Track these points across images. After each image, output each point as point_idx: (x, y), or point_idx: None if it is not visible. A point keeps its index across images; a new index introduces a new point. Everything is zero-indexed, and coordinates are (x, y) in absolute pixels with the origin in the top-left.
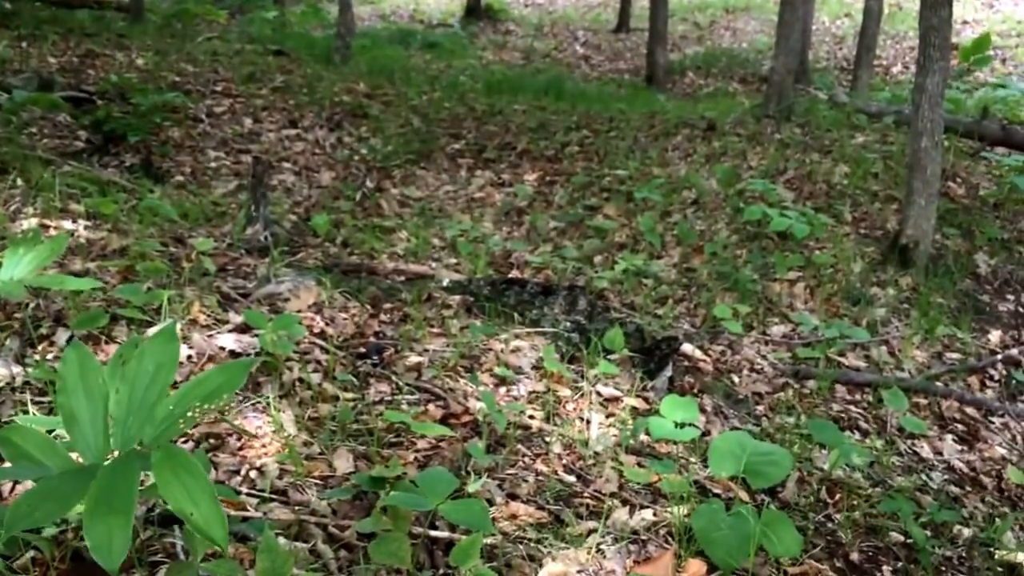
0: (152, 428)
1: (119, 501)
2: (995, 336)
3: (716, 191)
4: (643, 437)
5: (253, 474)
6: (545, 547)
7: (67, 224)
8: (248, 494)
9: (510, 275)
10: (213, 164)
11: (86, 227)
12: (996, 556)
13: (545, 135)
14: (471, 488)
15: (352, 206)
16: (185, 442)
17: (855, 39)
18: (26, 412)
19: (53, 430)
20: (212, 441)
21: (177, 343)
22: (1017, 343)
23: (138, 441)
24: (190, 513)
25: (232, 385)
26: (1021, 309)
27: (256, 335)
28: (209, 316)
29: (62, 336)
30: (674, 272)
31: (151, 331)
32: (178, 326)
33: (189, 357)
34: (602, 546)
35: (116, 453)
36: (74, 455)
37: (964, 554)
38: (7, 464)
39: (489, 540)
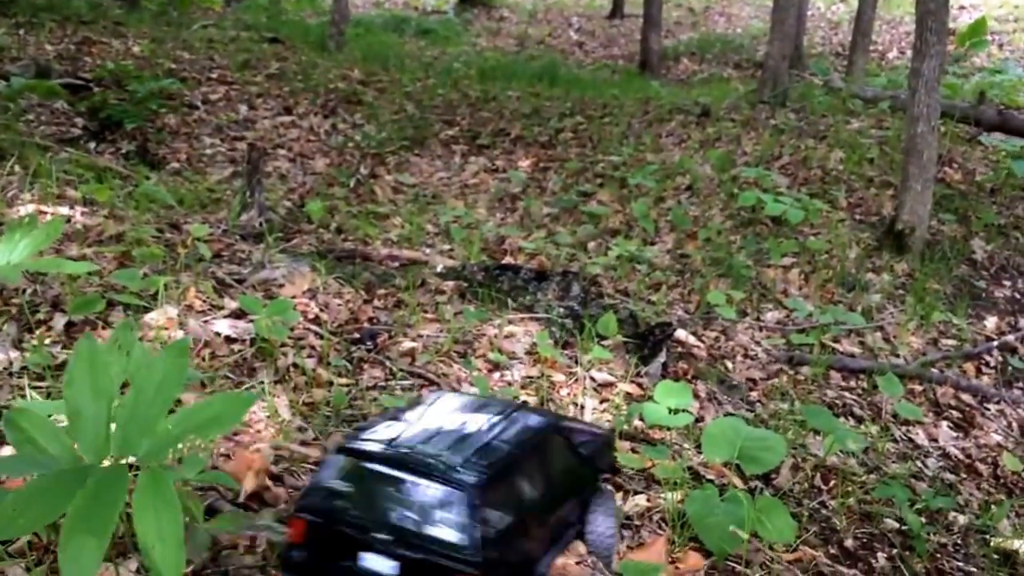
0: (149, 443)
1: (99, 520)
2: (991, 322)
3: (710, 177)
4: (637, 423)
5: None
6: None
7: (64, 210)
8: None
9: (504, 261)
10: (208, 151)
11: (83, 213)
12: (992, 543)
13: (539, 121)
14: None
15: (346, 192)
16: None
17: (850, 24)
18: (24, 397)
19: (51, 415)
20: None
21: (187, 359)
22: (1013, 329)
23: (133, 453)
24: (152, 547)
25: (233, 417)
26: (1018, 295)
27: (251, 321)
28: (205, 302)
29: (60, 321)
30: (668, 258)
31: (148, 317)
32: (174, 311)
33: None
34: None
35: (112, 457)
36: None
37: (959, 541)
38: (9, 449)
39: None
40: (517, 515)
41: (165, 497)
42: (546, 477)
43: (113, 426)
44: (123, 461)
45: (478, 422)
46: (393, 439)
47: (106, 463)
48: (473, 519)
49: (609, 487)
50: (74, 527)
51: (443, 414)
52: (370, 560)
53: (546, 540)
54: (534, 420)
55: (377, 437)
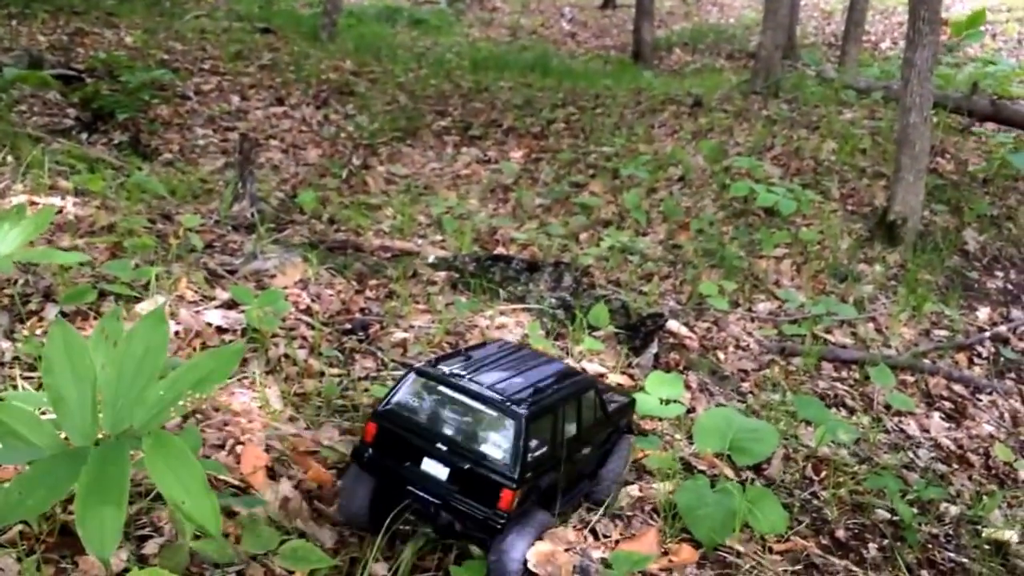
0: (143, 411)
1: (111, 490)
2: (983, 313)
3: (702, 167)
4: None
5: (239, 449)
6: None
7: (56, 200)
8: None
9: (495, 251)
10: (201, 141)
11: (75, 204)
12: (983, 534)
13: (531, 112)
14: None
15: (338, 183)
16: (172, 417)
17: (843, 14)
18: (15, 387)
19: (43, 407)
20: (199, 416)
21: (166, 325)
22: (1006, 320)
23: (128, 424)
24: (182, 501)
25: (224, 372)
26: (1010, 286)
27: (243, 311)
28: (196, 292)
29: (51, 311)
30: (660, 249)
31: (139, 307)
32: (166, 302)
33: (177, 333)
34: (589, 522)
35: (104, 435)
36: (62, 434)
37: (951, 531)
38: None
39: None
40: (551, 449)
41: (177, 454)
42: (578, 423)
43: (100, 407)
44: (119, 435)
45: (531, 368)
46: (462, 370)
47: (97, 445)
48: (518, 443)
49: (628, 435)
50: (89, 500)
51: (504, 357)
52: (427, 464)
53: (570, 479)
54: (576, 375)
55: (448, 366)
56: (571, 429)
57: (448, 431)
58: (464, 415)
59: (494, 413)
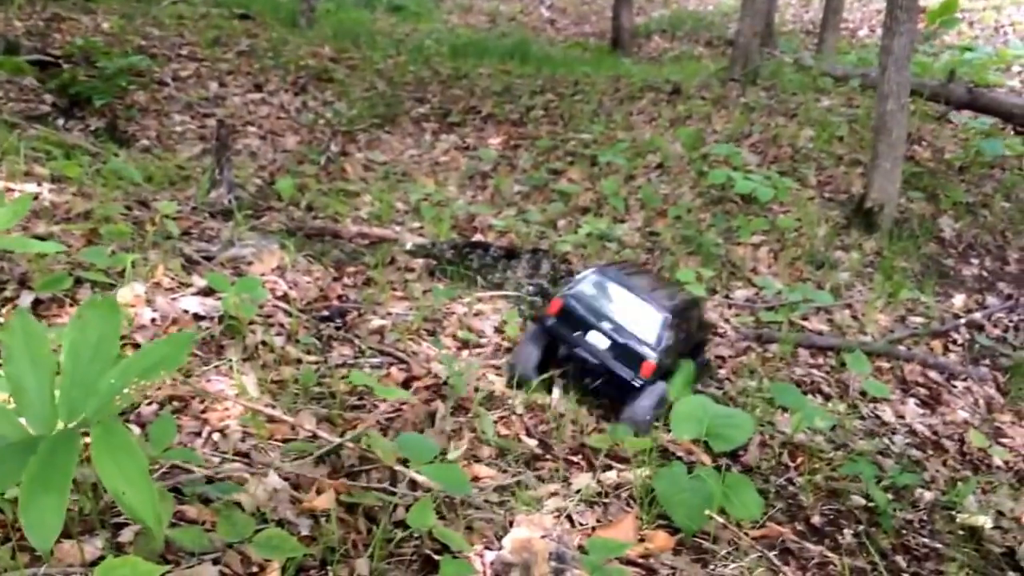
0: (96, 400)
1: (55, 480)
2: (959, 300)
3: (681, 155)
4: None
5: (216, 436)
6: (506, 509)
7: (32, 187)
8: (210, 456)
9: (473, 239)
10: (178, 128)
11: (50, 190)
12: (957, 519)
13: (510, 99)
14: (451, 455)
15: (317, 170)
16: (148, 404)
17: (821, 1)
18: None
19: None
20: (176, 403)
21: (119, 313)
22: (981, 307)
23: (82, 414)
24: (122, 492)
25: (174, 360)
26: (985, 273)
27: (219, 298)
28: (173, 279)
29: (27, 299)
30: (638, 236)
31: (115, 294)
32: (142, 289)
33: (153, 320)
34: (566, 509)
35: (62, 424)
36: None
37: (925, 517)
38: None
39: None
40: (675, 341)
41: (121, 443)
42: (689, 325)
43: (58, 395)
44: (72, 425)
45: (665, 284)
46: (627, 274)
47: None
48: (662, 331)
49: (710, 336)
50: (32, 490)
51: (650, 276)
52: (592, 336)
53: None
54: (688, 294)
55: (617, 270)
56: (687, 328)
57: (615, 314)
58: (626, 306)
59: (650, 307)
